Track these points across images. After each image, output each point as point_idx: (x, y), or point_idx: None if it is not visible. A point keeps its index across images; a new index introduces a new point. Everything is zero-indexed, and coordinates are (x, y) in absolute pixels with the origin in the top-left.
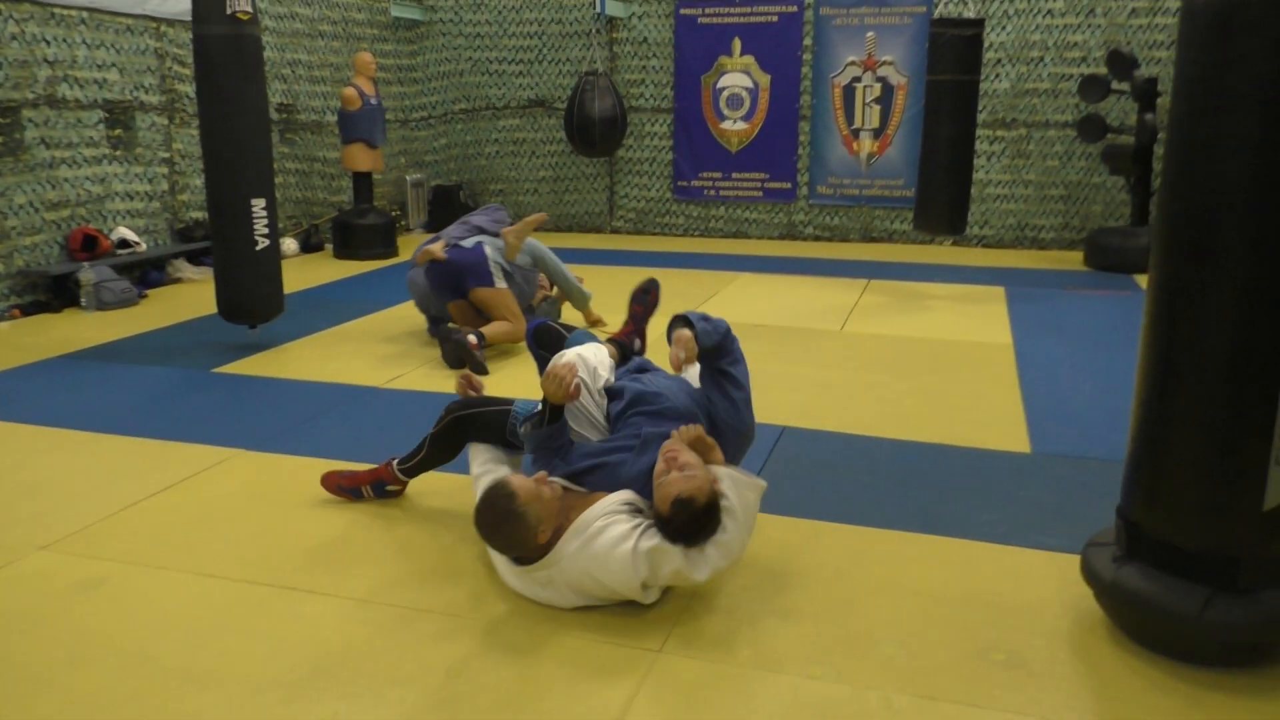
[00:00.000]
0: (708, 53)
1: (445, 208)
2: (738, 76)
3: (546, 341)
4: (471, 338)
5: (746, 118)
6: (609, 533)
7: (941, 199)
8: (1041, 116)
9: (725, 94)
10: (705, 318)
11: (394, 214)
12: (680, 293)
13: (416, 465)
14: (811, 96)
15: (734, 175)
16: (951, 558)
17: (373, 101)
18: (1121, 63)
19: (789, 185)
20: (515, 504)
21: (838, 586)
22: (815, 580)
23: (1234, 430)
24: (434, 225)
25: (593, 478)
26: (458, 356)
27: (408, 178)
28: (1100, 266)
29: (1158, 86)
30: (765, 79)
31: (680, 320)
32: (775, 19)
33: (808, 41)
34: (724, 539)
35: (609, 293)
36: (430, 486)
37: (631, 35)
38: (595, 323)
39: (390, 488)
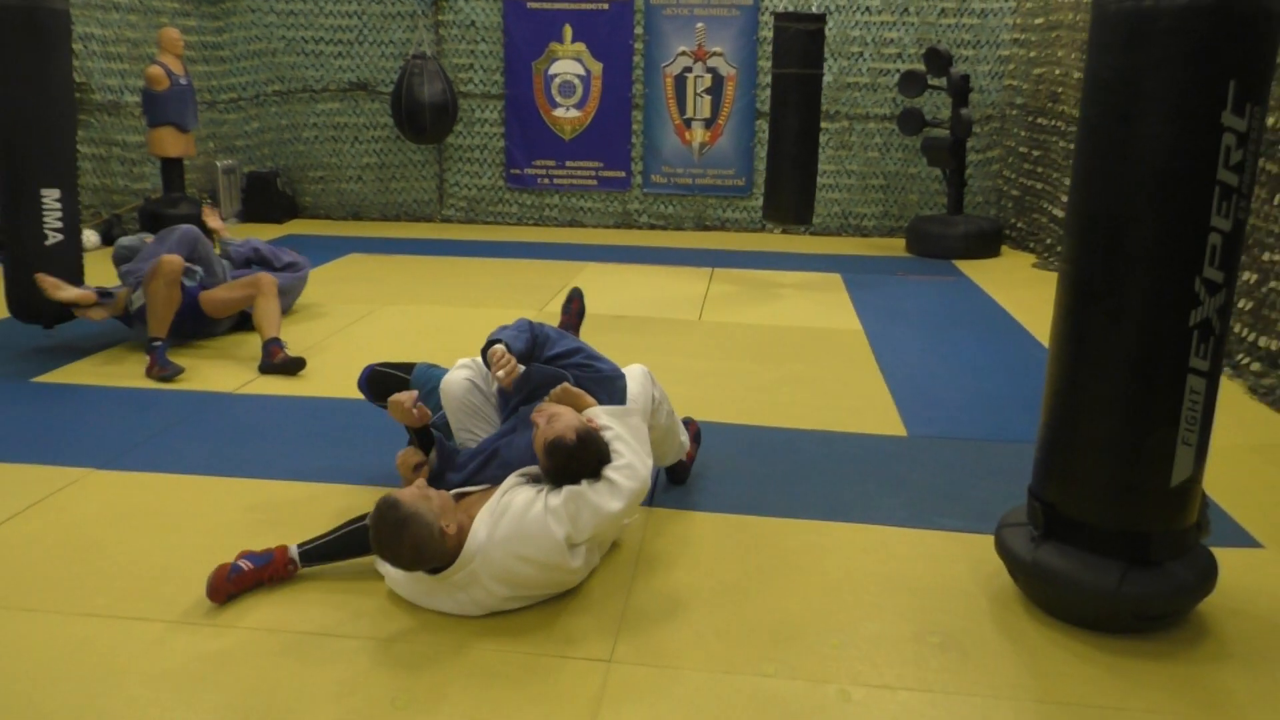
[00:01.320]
0: (538, 38)
1: (261, 196)
2: (569, 64)
3: (385, 391)
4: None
5: (579, 105)
6: (515, 504)
7: (789, 190)
8: (862, 109)
9: (557, 81)
10: (506, 329)
11: (206, 202)
12: (530, 285)
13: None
14: (644, 85)
15: (568, 163)
16: (864, 544)
17: (182, 81)
18: (938, 60)
19: (623, 174)
20: (403, 509)
21: (766, 579)
22: (741, 574)
23: (1144, 415)
24: (249, 215)
25: (488, 470)
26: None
27: (218, 164)
28: (921, 253)
29: (970, 83)
30: (597, 67)
31: (490, 344)
32: (606, 6)
33: (639, 30)
34: (622, 463)
35: (440, 285)
36: (309, 494)
37: (458, 18)
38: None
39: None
